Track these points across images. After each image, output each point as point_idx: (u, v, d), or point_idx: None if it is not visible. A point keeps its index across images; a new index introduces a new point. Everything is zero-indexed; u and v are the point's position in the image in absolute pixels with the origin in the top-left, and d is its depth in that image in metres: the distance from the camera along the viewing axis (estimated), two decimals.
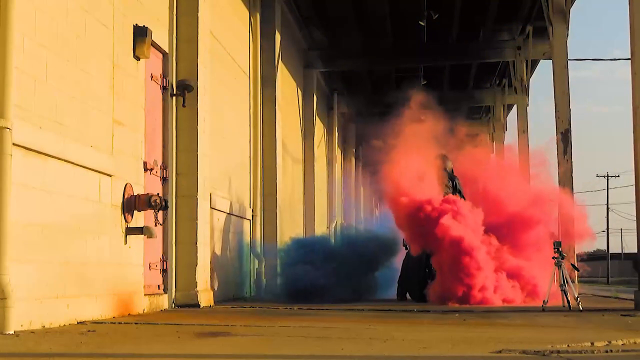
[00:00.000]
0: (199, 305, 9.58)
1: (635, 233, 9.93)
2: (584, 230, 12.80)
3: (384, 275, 13.31)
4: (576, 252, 13.37)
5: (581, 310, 9.49)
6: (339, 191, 25.25)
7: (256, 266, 13.71)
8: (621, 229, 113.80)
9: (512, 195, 12.41)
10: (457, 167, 12.78)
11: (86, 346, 5.20)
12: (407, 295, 12.68)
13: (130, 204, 8.18)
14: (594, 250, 61.60)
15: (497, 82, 24.55)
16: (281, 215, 14.95)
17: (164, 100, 9.60)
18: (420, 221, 11.66)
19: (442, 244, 11.47)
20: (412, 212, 11.75)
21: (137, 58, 8.52)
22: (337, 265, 12.24)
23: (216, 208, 11.29)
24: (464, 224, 11.60)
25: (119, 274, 7.89)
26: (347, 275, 12.14)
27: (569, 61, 14.50)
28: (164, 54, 9.58)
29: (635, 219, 10.01)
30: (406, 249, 12.63)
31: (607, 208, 69.14)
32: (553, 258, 9.97)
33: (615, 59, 35.63)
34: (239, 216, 12.86)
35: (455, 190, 12.50)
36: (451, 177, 12.59)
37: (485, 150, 14.00)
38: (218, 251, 11.53)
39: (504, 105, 24.98)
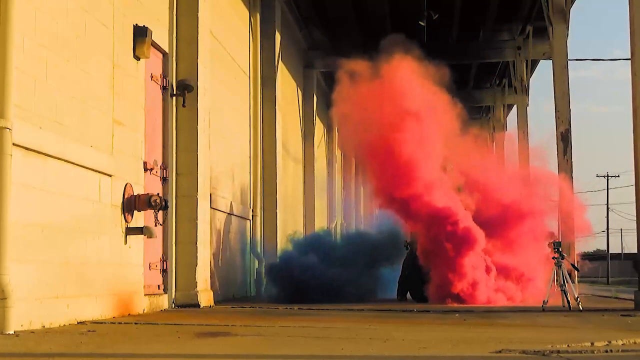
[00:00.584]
0: (199, 305, 9.58)
1: (635, 233, 9.94)
2: (582, 223, 12.77)
3: (385, 274, 13.29)
4: (576, 252, 13.37)
5: (581, 310, 9.49)
6: (339, 191, 25.24)
7: (256, 266, 13.71)
8: (621, 229, 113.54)
9: (506, 184, 12.36)
10: (452, 158, 12.70)
11: (86, 346, 5.20)
12: (408, 294, 12.68)
13: (130, 204, 8.18)
14: (594, 251, 61.58)
15: (497, 82, 24.56)
16: (281, 215, 14.95)
17: (164, 100, 9.60)
18: (397, 203, 11.66)
19: (425, 220, 11.44)
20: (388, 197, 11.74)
21: (137, 58, 8.52)
22: (338, 265, 12.22)
23: (216, 208, 11.29)
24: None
25: (119, 274, 7.89)
26: (348, 275, 12.12)
27: (569, 61, 14.52)
28: (164, 54, 9.58)
29: (635, 219, 10.02)
30: (407, 249, 12.61)
31: (607, 208, 69.08)
32: (553, 258, 9.97)
33: (615, 59, 35.77)
34: (239, 216, 12.86)
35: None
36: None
37: (480, 139, 13.91)
38: (218, 251, 11.53)
39: (504, 105, 24.98)
